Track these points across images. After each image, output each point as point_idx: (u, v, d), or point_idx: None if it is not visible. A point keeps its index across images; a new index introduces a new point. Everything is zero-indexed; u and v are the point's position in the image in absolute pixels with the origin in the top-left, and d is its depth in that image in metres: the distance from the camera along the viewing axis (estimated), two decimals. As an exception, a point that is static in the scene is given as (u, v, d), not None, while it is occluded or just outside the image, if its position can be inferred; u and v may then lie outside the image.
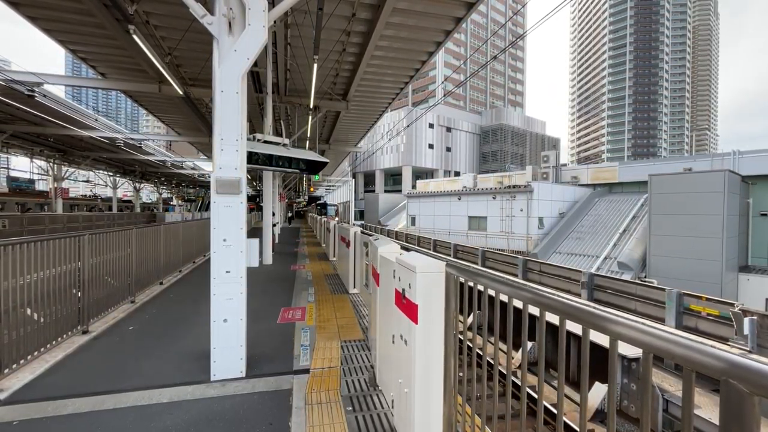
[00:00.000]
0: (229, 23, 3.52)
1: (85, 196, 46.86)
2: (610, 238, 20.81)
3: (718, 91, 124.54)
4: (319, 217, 21.70)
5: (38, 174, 25.89)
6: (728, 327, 6.27)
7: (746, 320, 5.75)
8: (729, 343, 5.87)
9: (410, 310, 2.26)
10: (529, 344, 6.46)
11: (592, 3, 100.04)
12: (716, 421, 4.46)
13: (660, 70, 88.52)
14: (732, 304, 6.30)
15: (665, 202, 17.19)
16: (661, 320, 7.21)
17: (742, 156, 19.68)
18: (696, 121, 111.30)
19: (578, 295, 9.17)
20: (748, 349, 5.65)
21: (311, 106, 10.40)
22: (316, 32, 6.32)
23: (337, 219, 25.59)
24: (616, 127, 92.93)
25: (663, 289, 7.51)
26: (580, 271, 9.65)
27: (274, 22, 4.02)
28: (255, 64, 7.82)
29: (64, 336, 4.17)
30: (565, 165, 32.54)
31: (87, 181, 37.98)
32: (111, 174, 31.79)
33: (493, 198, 25.79)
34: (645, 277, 17.14)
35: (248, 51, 3.51)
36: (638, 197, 23.17)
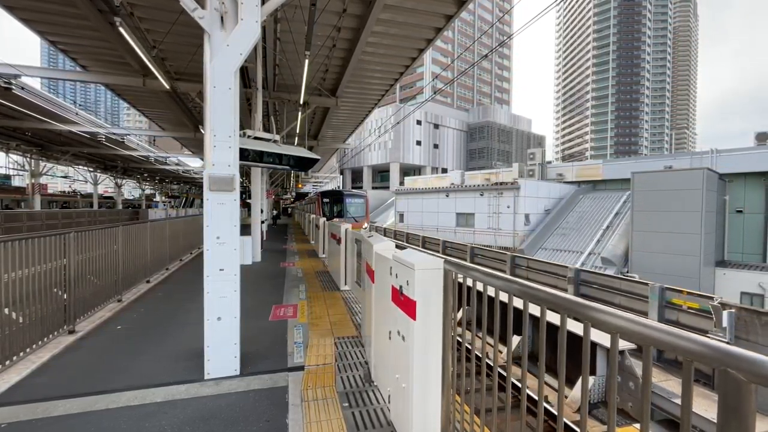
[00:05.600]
0: (221, 17, 3.47)
1: (65, 192, 45.51)
2: (594, 235, 21.28)
3: (696, 91, 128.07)
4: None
5: (14, 169, 24.99)
6: (707, 320, 6.51)
7: (725, 313, 5.99)
8: (708, 335, 6.11)
9: (408, 306, 2.28)
10: (517, 338, 6.60)
11: (577, 3, 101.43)
12: (698, 410, 4.65)
13: (642, 70, 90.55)
14: (711, 298, 6.55)
15: (647, 199, 17.66)
16: (644, 314, 7.45)
17: (719, 154, 20.34)
18: (676, 120, 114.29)
19: (565, 290, 9.38)
20: (726, 340, 5.90)
21: (301, 102, 10.31)
22: (308, 28, 6.26)
23: (366, 226, 15.59)
24: (600, 125, 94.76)
25: (646, 284, 7.74)
26: (567, 267, 9.86)
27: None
28: (244, 59, 7.71)
29: (50, 336, 4.07)
30: (550, 162, 33.10)
31: (66, 177, 36.90)
32: (91, 170, 30.90)
33: (481, 195, 26.06)
34: (627, 272, 17.61)
35: (241, 46, 3.47)
36: (621, 194, 23.74)
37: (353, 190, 21.38)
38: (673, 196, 16.78)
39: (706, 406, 5.32)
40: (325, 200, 18.78)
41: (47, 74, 10.85)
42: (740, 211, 19.10)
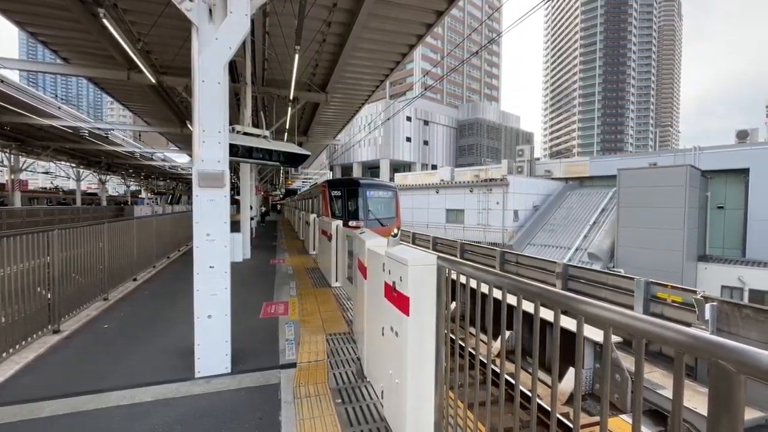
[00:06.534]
0: (210, 10, 3.41)
1: (46, 188, 44.38)
2: (581, 230, 21.64)
3: (680, 89, 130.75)
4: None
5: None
6: (690, 313, 6.70)
7: (707, 306, 6.17)
8: (692, 327, 6.29)
9: (401, 302, 2.29)
10: (507, 333, 6.69)
11: (565, 2, 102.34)
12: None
13: (627, 69, 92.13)
14: (694, 292, 6.74)
15: (632, 196, 18.03)
16: (630, 307, 7.62)
17: (702, 152, 20.83)
18: (660, 118, 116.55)
19: (553, 285, 9.53)
20: (708, 332, 6.08)
21: (291, 98, 10.20)
22: (298, 22, 6.19)
23: (396, 232, 11.87)
24: (587, 122, 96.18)
25: (632, 278, 7.92)
26: (555, 262, 10.02)
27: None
28: (232, 53, 7.58)
29: (34, 336, 3.97)
30: (538, 159, 33.46)
31: (47, 173, 35.92)
32: (74, 165, 30.10)
33: (471, 191, 26.24)
34: (613, 267, 17.98)
35: (230, 40, 3.41)
36: (607, 191, 24.17)
37: (376, 180, 14.07)
38: (657, 193, 17.16)
39: (688, 396, 5.49)
40: (335, 193, 12.28)
41: (26, 66, 10.51)
42: (721, 207, 19.65)
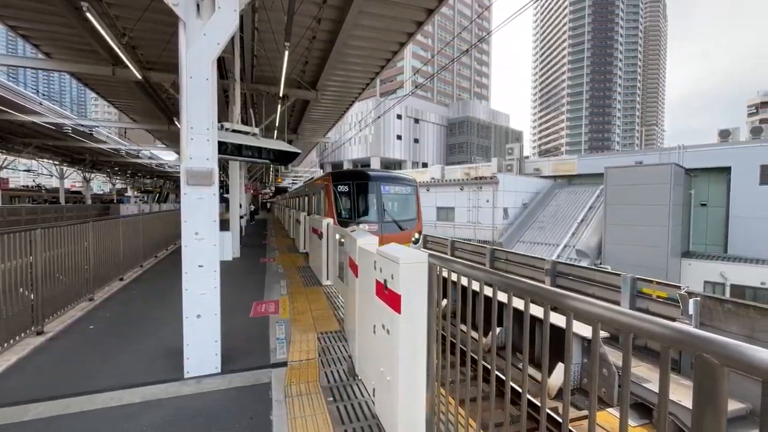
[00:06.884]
0: (197, 5, 3.35)
1: (28, 186, 43.29)
2: (569, 228, 21.95)
3: (665, 89, 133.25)
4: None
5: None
6: (675, 308, 6.87)
7: (691, 301, 6.33)
8: (677, 321, 6.44)
9: (393, 300, 2.30)
10: (497, 330, 6.76)
11: (553, 2, 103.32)
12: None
13: (614, 68, 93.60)
14: (678, 287, 6.90)
15: (619, 193, 18.34)
16: (617, 303, 7.76)
17: (685, 150, 21.26)
18: (646, 117, 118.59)
19: (542, 282, 9.66)
20: (692, 326, 6.23)
21: (280, 95, 10.10)
22: (288, 18, 6.13)
23: (417, 237, 10.04)
24: (575, 121, 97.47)
25: (618, 275, 8.08)
26: (544, 260, 10.14)
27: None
28: (220, 49, 7.47)
29: (16, 338, 3.88)
30: (528, 157, 33.80)
31: (29, 171, 35.05)
32: (57, 163, 29.39)
33: (461, 189, 26.39)
34: (600, 263, 18.28)
35: (218, 36, 3.36)
36: (595, 188, 24.52)
37: (392, 172, 11.57)
38: (642, 191, 17.49)
39: (673, 389, 5.62)
40: (342, 189, 9.85)
41: (6, 61, 10.23)
42: (704, 205, 20.10)
